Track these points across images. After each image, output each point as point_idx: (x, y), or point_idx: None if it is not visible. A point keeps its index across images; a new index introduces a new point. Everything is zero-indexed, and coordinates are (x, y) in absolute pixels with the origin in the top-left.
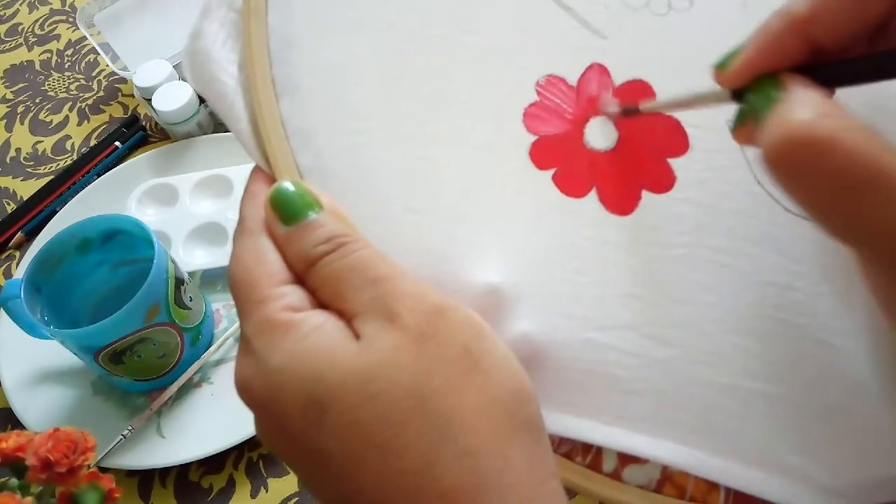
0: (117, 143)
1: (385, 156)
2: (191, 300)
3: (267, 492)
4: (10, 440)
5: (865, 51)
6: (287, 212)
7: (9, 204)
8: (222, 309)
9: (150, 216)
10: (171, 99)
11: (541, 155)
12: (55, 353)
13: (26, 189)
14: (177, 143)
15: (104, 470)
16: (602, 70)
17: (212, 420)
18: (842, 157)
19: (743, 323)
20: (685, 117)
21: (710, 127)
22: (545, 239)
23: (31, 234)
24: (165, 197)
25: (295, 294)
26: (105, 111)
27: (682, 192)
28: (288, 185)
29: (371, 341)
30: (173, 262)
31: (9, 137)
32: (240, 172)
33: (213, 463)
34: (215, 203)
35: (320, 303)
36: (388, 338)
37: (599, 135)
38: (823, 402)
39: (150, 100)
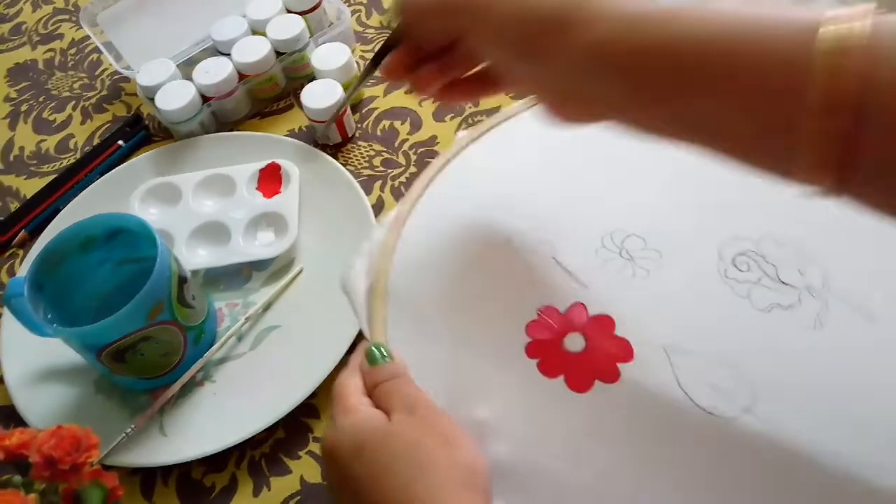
0: (120, 142)
1: (434, 337)
2: (193, 299)
3: (269, 490)
4: (14, 437)
5: None
6: (372, 359)
7: (12, 202)
8: (225, 308)
9: (152, 215)
10: (174, 98)
11: (532, 351)
12: (58, 351)
13: (30, 187)
14: (179, 143)
15: (107, 468)
16: (582, 307)
17: (214, 419)
18: None
19: (654, 476)
20: (633, 337)
21: (651, 344)
22: (524, 398)
23: (35, 233)
24: (168, 196)
25: (364, 399)
26: (108, 110)
27: (623, 385)
28: (375, 347)
29: (395, 421)
30: (176, 260)
31: (12, 136)
32: (242, 172)
33: (216, 461)
34: (218, 202)
35: (376, 405)
36: (405, 421)
37: (573, 344)
38: None
39: (153, 99)
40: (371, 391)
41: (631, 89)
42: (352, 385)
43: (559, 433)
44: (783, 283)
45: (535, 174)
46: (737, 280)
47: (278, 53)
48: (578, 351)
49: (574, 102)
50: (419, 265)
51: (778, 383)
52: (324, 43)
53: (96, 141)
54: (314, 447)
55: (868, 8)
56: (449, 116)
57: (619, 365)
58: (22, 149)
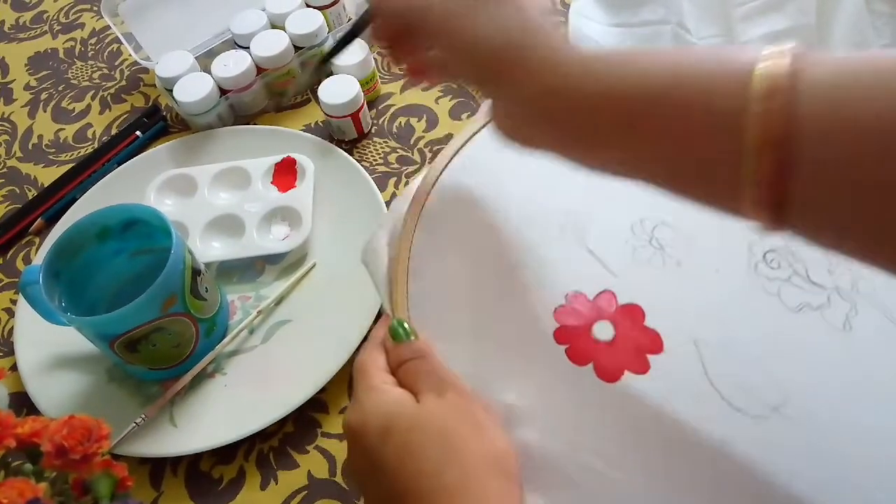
0: (138, 133)
1: (459, 317)
2: (206, 291)
3: (276, 484)
4: (26, 426)
5: None
6: (396, 336)
7: (30, 190)
8: (237, 301)
9: (168, 206)
10: (192, 90)
11: (560, 336)
12: (71, 339)
13: (47, 176)
14: (197, 134)
15: (116, 457)
16: (611, 294)
17: (224, 411)
18: None
19: (682, 473)
20: (663, 329)
21: (681, 337)
22: (551, 386)
23: (51, 221)
24: (184, 187)
25: (389, 377)
26: (126, 101)
27: (653, 377)
28: (398, 322)
29: (425, 403)
30: (190, 252)
31: (31, 124)
32: (257, 165)
33: (224, 454)
34: (233, 195)
35: (401, 385)
36: (435, 403)
37: (602, 331)
38: None
39: (171, 90)
40: (395, 369)
41: (579, 136)
42: (375, 362)
43: (587, 422)
44: (813, 282)
45: None
46: (767, 277)
47: (297, 48)
48: (608, 340)
49: (522, 136)
50: (442, 241)
51: (807, 384)
52: None
53: (114, 131)
54: (322, 442)
55: (791, 47)
56: (466, 115)
57: (649, 356)
58: (41, 137)
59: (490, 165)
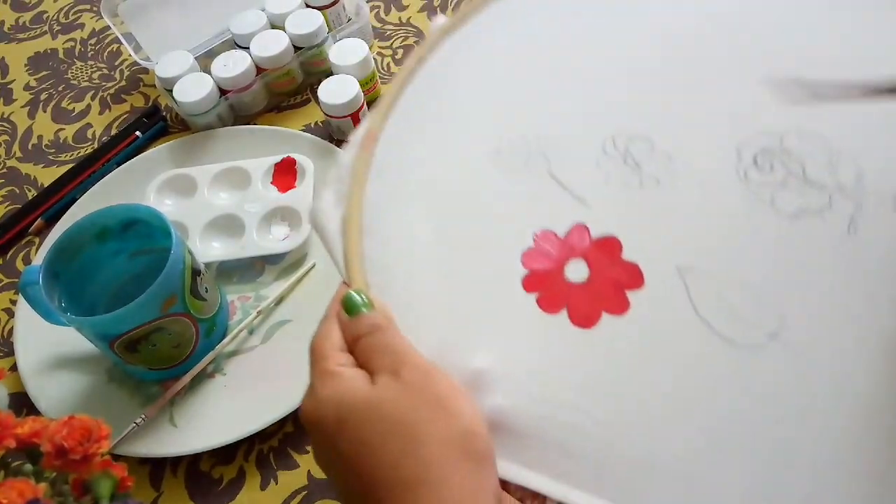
0: (138, 133)
1: (420, 277)
2: (206, 291)
3: (276, 484)
4: (26, 426)
5: None
6: (350, 308)
7: (30, 190)
8: (237, 301)
9: (168, 206)
10: (192, 90)
11: (530, 283)
12: (71, 339)
13: (47, 176)
14: (196, 135)
15: (116, 457)
16: (583, 228)
17: (224, 411)
18: None
19: (673, 418)
20: (643, 260)
21: (663, 265)
22: (524, 341)
23: (51, 221)
24: (184, 188)
25: (344, 357)
26: (126, 101)
27: (634, 316)
28: (354, 294)
29: (380, 387)
30: (190, 252)
31: (31, 124)
32: (257, 165)
33: (224, 454)
34: (233, 195)
35: (358, 363)
36: (391, 386)
37: (575, 272)
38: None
39: (171, 91)
40: (352, 347)
41: None
42: (329, 342)
43: (565, 377)
44: (811, 182)
45: (523, 71)
46: (759, 183)
47: (296, 48)
48: (582, 280)
49: None
50: (396, 189)
51: (808, 303)
52: (342, 38)
53: (114, 131)
54: None
55: None
56: None
57: (628, 293)
58: (40, 137)
59: (440, 98)
